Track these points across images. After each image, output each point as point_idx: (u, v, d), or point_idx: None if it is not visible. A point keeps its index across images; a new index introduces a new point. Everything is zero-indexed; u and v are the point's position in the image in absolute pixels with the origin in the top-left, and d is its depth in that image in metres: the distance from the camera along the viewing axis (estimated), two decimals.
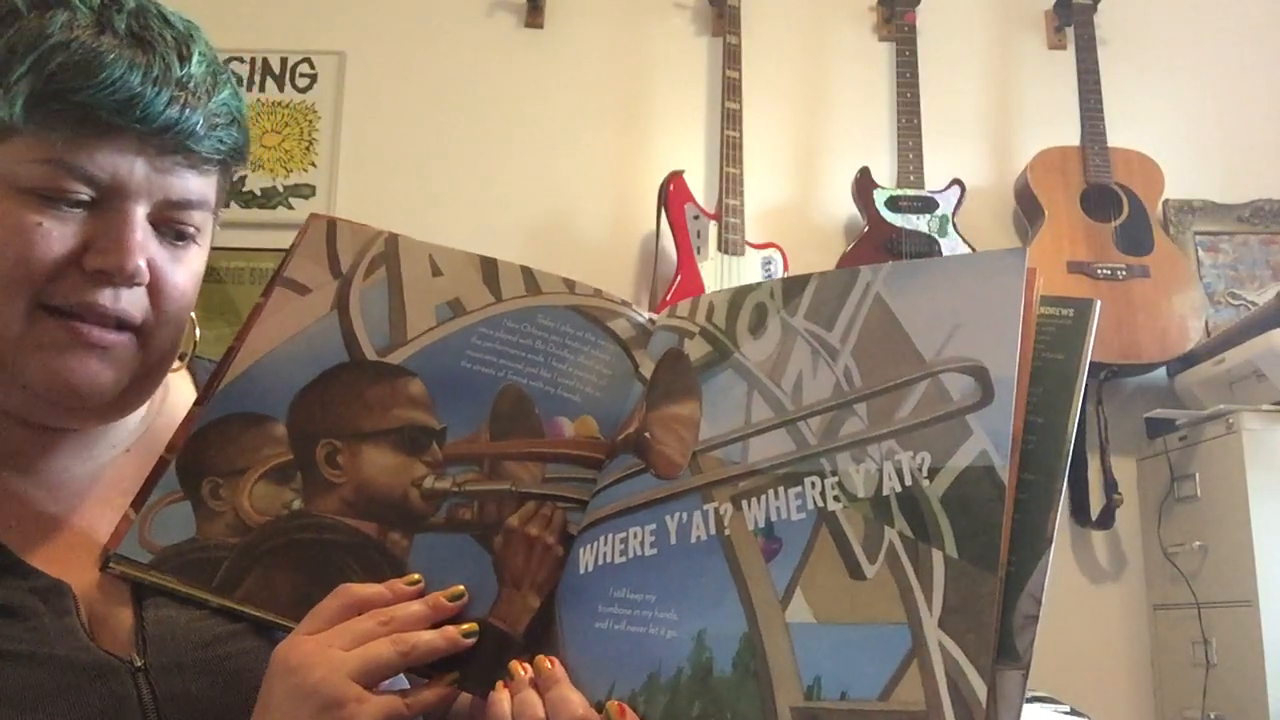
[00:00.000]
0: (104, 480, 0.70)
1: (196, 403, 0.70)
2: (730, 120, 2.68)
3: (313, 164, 2.77)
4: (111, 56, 0.60)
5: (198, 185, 0.66)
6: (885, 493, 0.56)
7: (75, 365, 0.62)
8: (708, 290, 2.51)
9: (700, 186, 2.72)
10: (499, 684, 0.60)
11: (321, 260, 0.73)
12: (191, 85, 0.63)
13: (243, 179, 2.66)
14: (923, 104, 2.72)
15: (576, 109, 2.83)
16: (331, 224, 0.75)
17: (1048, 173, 2.66)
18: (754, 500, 0.59)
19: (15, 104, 0.60)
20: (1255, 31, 2.87)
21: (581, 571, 0.64)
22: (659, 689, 0.57)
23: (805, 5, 2.92)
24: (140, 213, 0.63)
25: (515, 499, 0.67)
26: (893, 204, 2.66)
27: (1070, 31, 2.82)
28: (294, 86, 2.81)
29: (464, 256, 0.75)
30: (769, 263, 2.64)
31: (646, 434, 0.66)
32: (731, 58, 2.72)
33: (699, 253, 2.58)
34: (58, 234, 0.60)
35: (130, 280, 0.62)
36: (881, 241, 2.62)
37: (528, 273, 0.74)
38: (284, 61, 2.83)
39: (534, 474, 0.67)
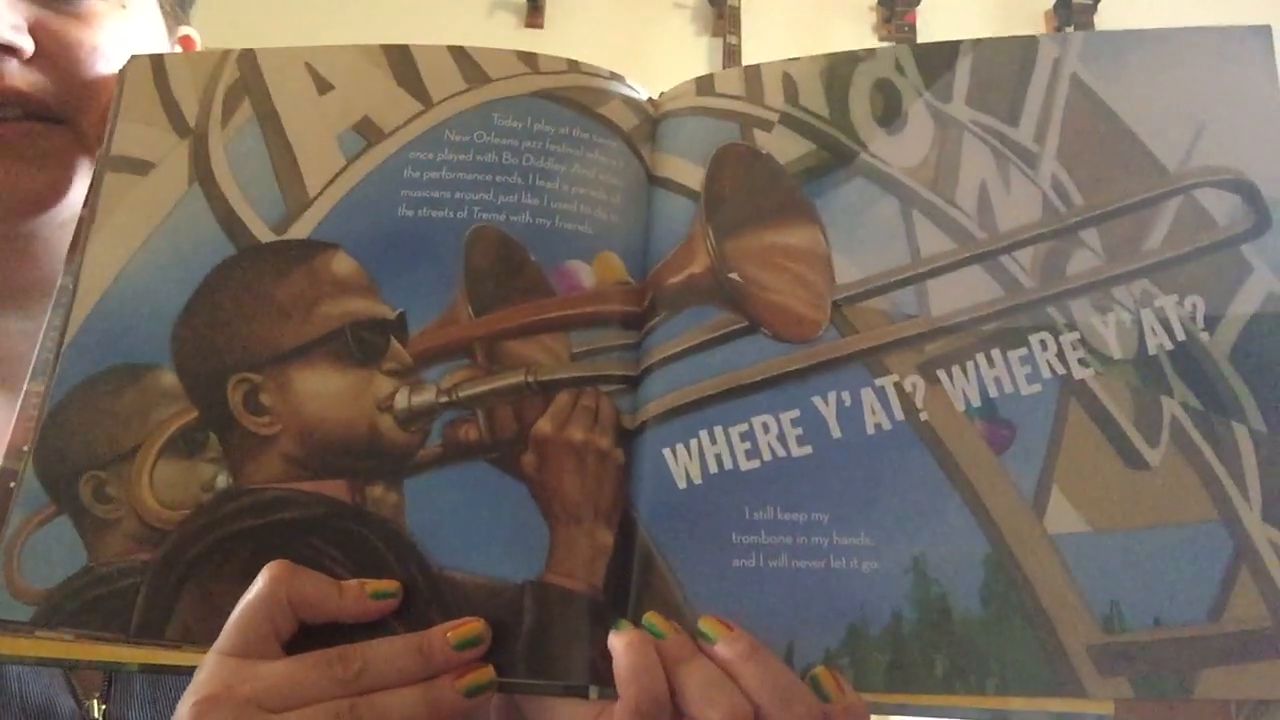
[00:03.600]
0: None
1: (34, 375, 0.48)
2: None
3: None
4: None
5: None
6: (1152, 351, 0.42)
7: None
8: None
9: None
10: (635, 659, 0.40)
11: (156, 117, 0.51)
12: None
13: None
14: None
15: None
16: (157, 61, 0.52)
17: None
18: (955, 369, 0.43)
19: None
20: None
21: (681, 485, 0.43)
22: (870, 644, 0.41)
23: (805, 5, 2.85)
24: None
25: (538, 392, 0.45)
26: None
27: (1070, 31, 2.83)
28: None
29: (357, 52, 0.51)
30: None
31: (733, 275, 0.45)
32: (731, 58, 2.67)
33: None
34: None
35: None
36: None
37: (461, 55, 0.50)
38: None
39: (554, 351, 0.46)
